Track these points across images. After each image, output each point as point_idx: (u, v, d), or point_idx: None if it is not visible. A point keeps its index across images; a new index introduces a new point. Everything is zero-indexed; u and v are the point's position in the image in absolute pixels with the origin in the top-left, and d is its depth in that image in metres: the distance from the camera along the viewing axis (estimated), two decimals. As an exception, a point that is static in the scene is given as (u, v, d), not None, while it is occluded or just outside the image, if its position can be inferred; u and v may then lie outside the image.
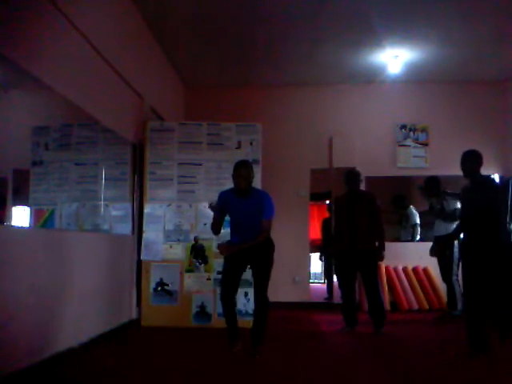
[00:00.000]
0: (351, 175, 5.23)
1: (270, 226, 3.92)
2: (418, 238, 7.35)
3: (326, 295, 7.86)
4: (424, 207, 7.42)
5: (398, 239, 7.41)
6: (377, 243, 5.09)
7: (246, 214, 3.87)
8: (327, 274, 8.37)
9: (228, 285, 3.94)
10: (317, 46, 6.21)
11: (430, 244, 5.11)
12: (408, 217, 7.41)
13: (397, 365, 3.82)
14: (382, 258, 5.09)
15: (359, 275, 5.24)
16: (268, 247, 3.94)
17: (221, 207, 4.01)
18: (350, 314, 5.17)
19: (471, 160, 4.08)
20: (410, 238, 7.34)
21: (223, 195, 4.05)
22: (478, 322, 3.93)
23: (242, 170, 3.86)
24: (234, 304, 4.03)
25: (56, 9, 3.55)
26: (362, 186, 6.86)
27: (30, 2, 3.30)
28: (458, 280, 5.56)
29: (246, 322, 4.49)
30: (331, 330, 5.28)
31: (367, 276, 5.09)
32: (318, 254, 9.13)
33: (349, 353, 4.31)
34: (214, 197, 4.62)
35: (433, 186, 5.89)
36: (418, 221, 7.36)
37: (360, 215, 5.06)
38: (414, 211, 7.41)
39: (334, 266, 7.14)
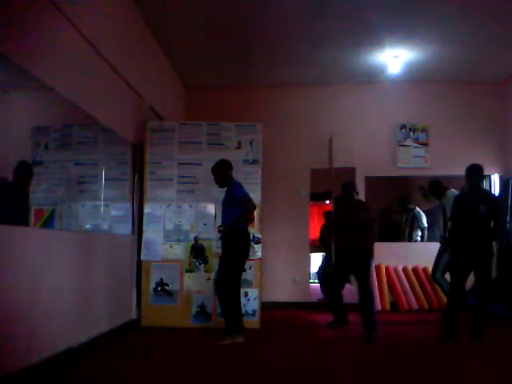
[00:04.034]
0: (346, 186, 5.36)
1: (246, 201, 4.57)
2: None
3: (320, 296, 7.62)
4: (425, 208, 7.49)
5: (400, 239, 7.47)
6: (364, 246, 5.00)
7: (224, 202, 4.70)
8: (324, 273, 8.04)
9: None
10: (317, 46, 6.21)
11: (431, 244, 5.12)
12: (418, 219, 7.46)
13: (397, 365, 3.82)
14: (362, 261, 4.97)
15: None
16: (230, 239, 4.56)
17: None
18: (341, 311, 5.32)
19: (478, 174, 4.68)
20: (419, 240, 7.43)
21: None
22: (457, 311, 4.57)
23: (212, 170, 4.74)
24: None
25: (56, 9, 3.55)
26: (363, 187, 6.91)
27: (31, 2, 3.30)
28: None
29: (246, 322, 4.55)
30: (331, 330, 5.29)
31: (362, 279, 4.97)
32: (317, 254, 9.11)
33: (349, 353, 4.31)
34: (214, 196, 4.67)
35: (438, 190, 5.97)
36: (426, 223, 7.44)
37: (354, 223, 5.09)
38: (422, 213, 7.46)
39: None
